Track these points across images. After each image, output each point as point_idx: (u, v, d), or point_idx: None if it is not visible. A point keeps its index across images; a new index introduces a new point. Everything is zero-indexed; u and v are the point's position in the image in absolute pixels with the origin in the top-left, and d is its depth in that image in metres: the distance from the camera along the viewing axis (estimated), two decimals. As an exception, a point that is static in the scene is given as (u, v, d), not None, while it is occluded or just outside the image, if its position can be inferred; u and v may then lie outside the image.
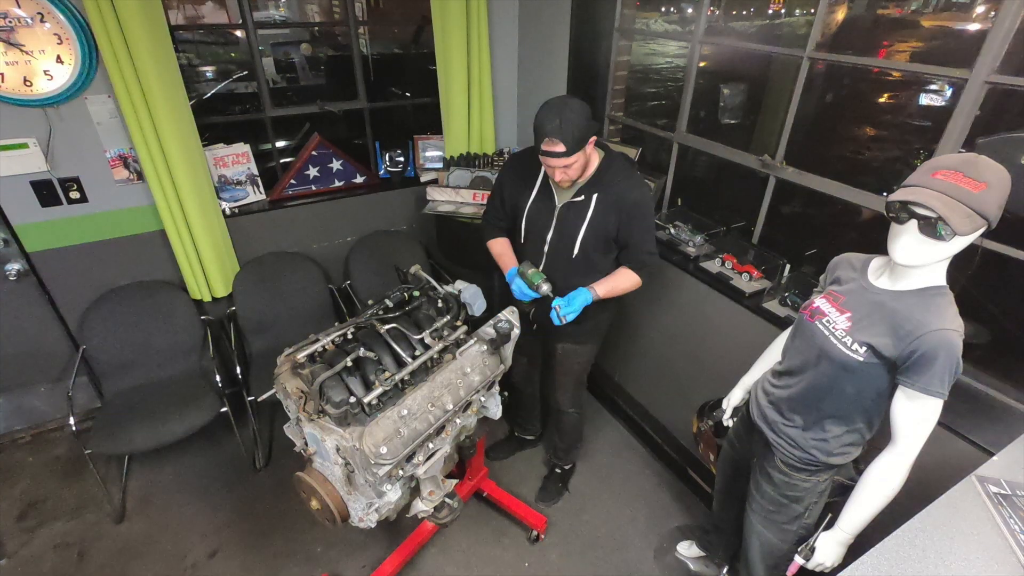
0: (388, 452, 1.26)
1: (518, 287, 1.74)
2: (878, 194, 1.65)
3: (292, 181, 2.66)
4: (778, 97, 2.55)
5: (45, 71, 1.93)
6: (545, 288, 1.69)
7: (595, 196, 1.67)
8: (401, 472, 1.37)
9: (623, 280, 1.76)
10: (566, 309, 1.66)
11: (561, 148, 1.50)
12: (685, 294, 2.20)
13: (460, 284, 1.74)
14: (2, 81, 1.87)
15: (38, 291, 2.28)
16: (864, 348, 1.17)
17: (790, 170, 1.89)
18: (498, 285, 1.87)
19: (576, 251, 1.72)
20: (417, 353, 1.43)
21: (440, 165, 2.91)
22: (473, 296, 1.73)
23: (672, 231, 2.29)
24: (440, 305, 1.59)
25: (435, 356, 1.45)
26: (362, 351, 1.35)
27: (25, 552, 2.08)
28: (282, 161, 2.82)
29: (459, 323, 1.56)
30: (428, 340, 1.46)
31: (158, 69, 1.99)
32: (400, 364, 1.40)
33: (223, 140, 2.49)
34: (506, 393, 1.72)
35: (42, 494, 2.32)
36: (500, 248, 1.88)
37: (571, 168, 1.56)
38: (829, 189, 1.78)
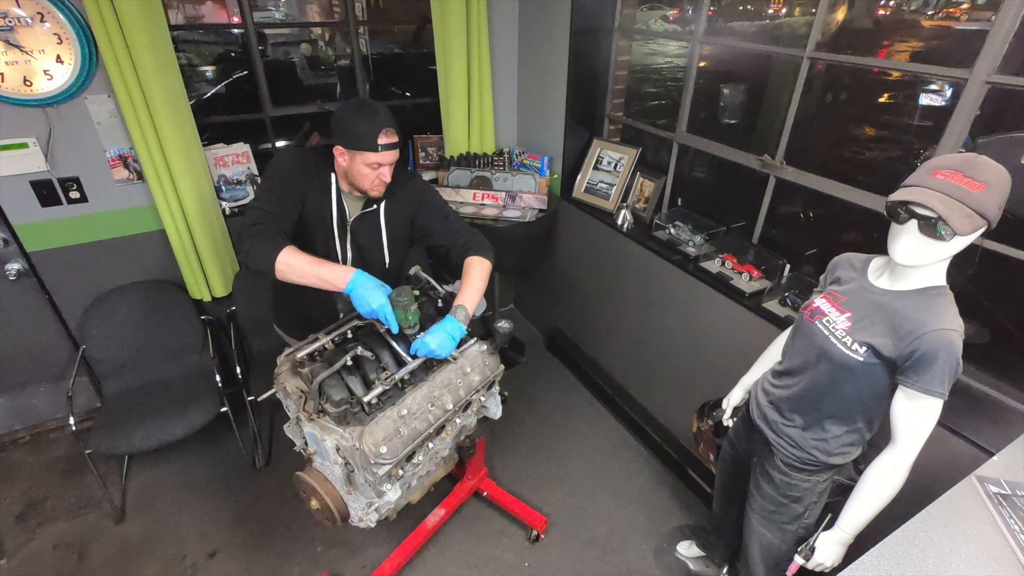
0: (388, 452, 1.26)
1: (385, 311, 1.31)
2: (878, 194, 1.65)
3: (292, 181, 2.66)
4: (778, 97, 2.54)
5: (45, 71, 1.92)
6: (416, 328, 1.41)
7: (382, 202, 1.55)
8: (401, 472, 1.37)
9: (479, 277, 1.54)
10: (442, 350, 1.38)
11: (396, 139, 1.34)
12: (685, 294, 2.20)
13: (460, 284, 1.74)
14: (2, 81, 1.87)
15: (38, 291, 2.28)
16: (864, 348, 1.17)
17: (790, 170, 1.89)
18: (342, 301, 1.46)
19: (388, 260, 1.64)
20: (417, 353, 1.42)
21: (440, 165, 2.92)
22: (473, 296, 1.73)
23: (672, 231, 2.29)
24: (440, 305, 1.59)
25: (435, 356, 1.45)
26: (361, 350, 1.35)
27: (25, 552, 2.08)
28: (282, 161, 2.81)
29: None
30: (428, 340, 1.46)
31: (158, 69, 1.99)
32: (400, 363, 1.40)
33: (223, 140, 2.49)
34: (506, 393, 1.72)
35: (42, 494, 2.32)
36: (303, 256, 1.34)
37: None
38: (829, 189, 1.78)
